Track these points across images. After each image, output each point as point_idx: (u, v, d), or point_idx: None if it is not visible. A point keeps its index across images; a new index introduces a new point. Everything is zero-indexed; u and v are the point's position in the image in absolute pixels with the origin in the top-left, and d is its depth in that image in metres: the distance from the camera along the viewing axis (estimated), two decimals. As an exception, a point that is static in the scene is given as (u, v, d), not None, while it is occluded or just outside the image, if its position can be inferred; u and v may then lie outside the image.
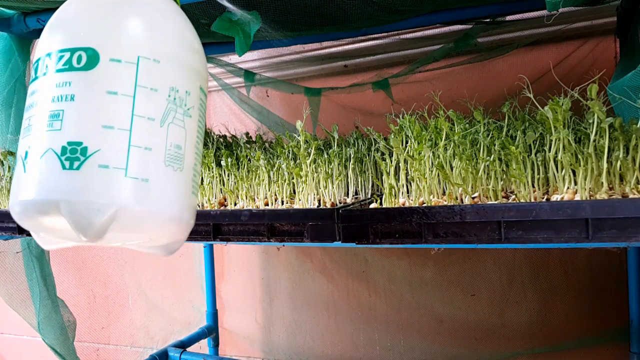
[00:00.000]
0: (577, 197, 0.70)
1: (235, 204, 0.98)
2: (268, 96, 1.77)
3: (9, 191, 1.08)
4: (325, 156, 0.93)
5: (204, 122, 0.46)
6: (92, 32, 0.39)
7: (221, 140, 1.23)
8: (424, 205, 0.76)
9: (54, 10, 1.02)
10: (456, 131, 0.79)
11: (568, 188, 0.73)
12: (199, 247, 1.84)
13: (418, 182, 0.79)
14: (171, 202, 0.41)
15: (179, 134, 0.41)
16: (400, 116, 0.84)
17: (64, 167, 0.38)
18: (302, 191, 0.89)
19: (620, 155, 0.71)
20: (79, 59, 0.39)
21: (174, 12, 0.44)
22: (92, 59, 0.39)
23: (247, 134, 1.27)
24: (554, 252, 1.45)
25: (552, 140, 0.73)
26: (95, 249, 2.10)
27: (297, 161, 0.93)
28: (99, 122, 0.38)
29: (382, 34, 1.51)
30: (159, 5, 0.43)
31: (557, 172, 0.75)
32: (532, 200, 0.74)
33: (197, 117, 0.44)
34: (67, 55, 0.39)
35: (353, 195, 1.00)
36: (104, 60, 0.39)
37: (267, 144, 1.20)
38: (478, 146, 0.80)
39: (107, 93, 0.38)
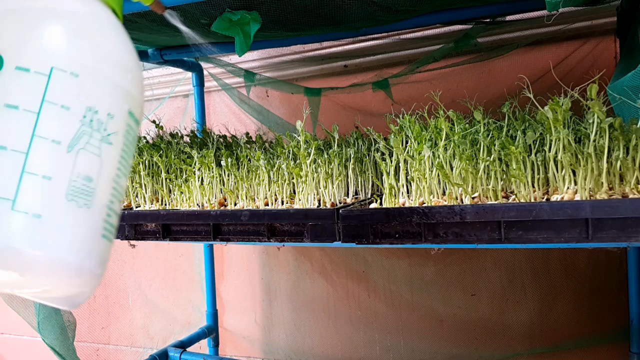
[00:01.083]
0: (577, 197, 0.70)
1: (235, 204, 0.98)
2: (268, 96, 1.77)
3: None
4: (325, 156, 0.93)
5: (132, 153, 0.39)
6: None
7: (221, 140, 1.23)
8: (424, 205, 0.76)
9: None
10: (456, 131, 0.79)
11: (568, 188, 0.73)
12: (199, 247, 1.84)
13: (418, 182, 0.79)
14: (70, 246, 0.33)
15: (92, 164, 0.34)
16: (400, 116, 0.84)
17: None
18: (302, 191, 0.89)
19: (620, 155, 0.71)
20: None
21: (109, 23, 0.38)
22: None
23: (247, 134, 1.28)
24: (554, 252, 1.45)
25: (552, 140, 0.73)
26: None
27: (297, 161, 0.93)
28: None
29: (382, 34, 1.51)
30: (90, 13, 0.37)
31: (557, 172, 0.75)
32: (532, 200, 0.74)
33: (121, 146, 0.36)
34: None
35: (353, 196, 1.00)
36: (9, 68, 0.33)
37: (267, 144, 1.20)
38: (478, 146, 0.80)
39: (5, 106, 0.32)
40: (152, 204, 1.05)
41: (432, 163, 0.79)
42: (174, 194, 1.02)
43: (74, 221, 0.33)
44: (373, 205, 0.82)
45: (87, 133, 0.34)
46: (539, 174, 0.78)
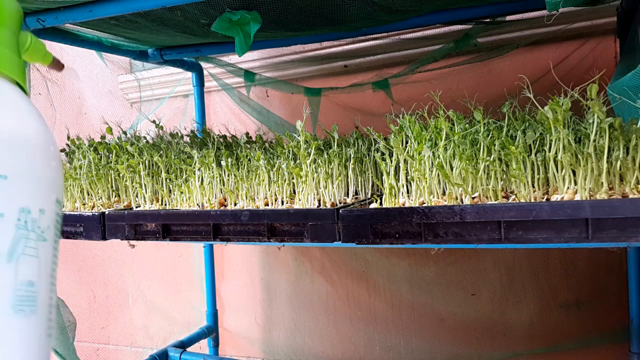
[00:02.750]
0: (577, 197, 0.70)
1: (235, 204, 0.98)
2: (268, 96, 1.77)
3: None
4: (325, 156, 0.93)
5: (59, 238, 0.36)
6: None
7: (221, 140, 1.23)
8: (424, 205, 0.76)
9: (54, 10, 1.02)
10: (456, 131, 0.79)
11: (568, 188, 0.73)
12: (199, 247, 1.84)
13: (418, 182, 0.79)
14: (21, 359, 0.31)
15: (32, 267, 0.31)
16: (400, 116, 0.84)
17: None
18: (302, 191, 0.89)
19: (620, 155, 0.71)
20: None
21: (27, 110, 0.34)
22: None
23: (247, 134, 1.27)
24: (554, 252, 1.45)
25: (552, 140, 0.73)
26: (96, 249, 2.10)
27: (297, 161, 0.93)
28: None
29: (382, 34, 1.51)
30: (7, 104, 0.33)
31: (557, 172, 0.75)
32: (532, 200, 0.74)
33: (53, 238, 0.34)
34: None
35: (353, 195, 1.00)
36: None
37: (267, 144, 1.20)
38: (478, 146, 0.80)
39: None
40: (152, 204, 1.05)
41: (432, 163, 0.79)
42: (174, 194, 1.02)
43: (22, 333, 0.31)
44: (373, 205, 0.82)
45: (24, 236, 0.31)
46: (539, 174, 0.78)
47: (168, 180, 1.05)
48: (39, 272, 0.32)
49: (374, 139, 1.02)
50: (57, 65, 0.51)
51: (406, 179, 0.82)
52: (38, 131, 0.34)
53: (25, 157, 0.32)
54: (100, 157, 1.16)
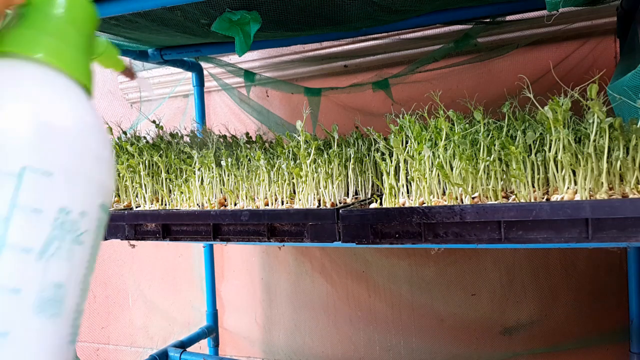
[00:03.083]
0: (577, 197, 0.70)
1: (235, 204, 0.98)
2: (268, 96, 1.77)
3: None
4: (325, 156, 0.93)
5: (99, 245, 0.36)
6: None
7: (221, 140, 1.23)
8: (424, 205, 0.76)
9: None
10: (456, 131, 0.79)
11: (568, 188, 0.73)
12: (199, 247, 1.84)
13: (418, 182, 0.79)
14: None
15: (62, 269, 0.31)
16: (400, 116, 0.84)
17: None
18: (302, 191, 0.89)
19: (620, 155, 0.71)
20: None
21: (85, 109, 0.34)
22: None
23: (247, 134, 1.27)
24: (554, 252, 1.45)
25: (552, 140, 0.73)
26: (95, 249, 2.10)
27: (297, 161, 0.93)
28: None
29: (382, 34, 1.51)
30: (64, 98, 0.33)
31: (557, 172, 0.75)
32: (532, 200, 0.74)
33: (91, 243, 0.33)
34: None
35: (353, 195, 1.00)
36: None
37: (267, 144, 1.20)
38: (478, 146, 0.80)
39: None
40: (152, 204, 1.05)
41: (432, 163, 0.79)
42: (174, 194, 1.02)
43: (43, 335, 0.30)
44: (373, 205, 0.82)
45: (59, 237, 0.31)
46: (539, 174, 0.78)
47: (168, 180, 1.05)
48: (68, 276, 0.31)
49: (374, 139, 1.02)
50: (130, 73, 0.51)
51: (406, 179, 0.82)
52: (93, 132, 0.33)
53: (76, 157, 0.32)
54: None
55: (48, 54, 0.33)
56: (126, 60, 0.48)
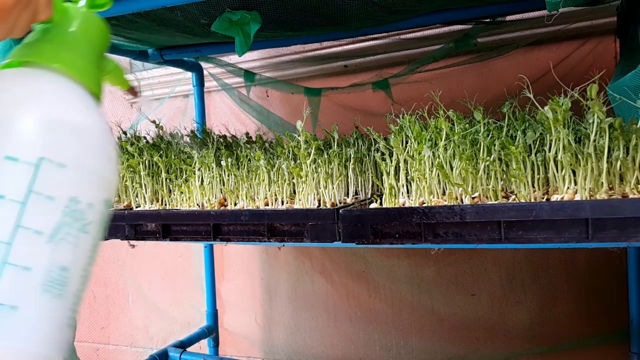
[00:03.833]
0: (577, 197, 0.70)
1: (235, 204, 0.98)
2: (268, 96, 1.77)
3: None
4: (325, 156, 0.93)
5: (100, 238, 0.40)
6: None
7: (221, 140, 1.23)
8: (424, 205, 0.76)
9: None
10: (456, 131, 0.79)
11: (568, 188, 0.73)
12: (199, 247, 1.84)
13: (418, 182, 0.79)
14: (40, 338, 0.33)
15: (68, 254, 0.34)
16: (400, 116, 0.84)
17: None
18: (302, 191, 0.89)
19: (620, 155, 0.71)
20: None
21: (98, 115, 0.38)
22: None
23: (247, 134, 1.27)
24: (554, 252, 1.45)
25: (552, 140, 0.73)
26: (95, 249, 2.10)
27: (297, 161, 0.93)
28: None
29: (382, 34, 1.51)
30: (77, 101, 0.38)
31: (557, 172, 0.75)
32: (532, 200, 0.74)
33: (94, 234, 0.37)
34: None
35: (353, 195, 1.00)
36: None
37: (267, 144, 1.20)
38: (478, 146, 0.80)
39: None
40: (152, 204, 1.05)
41: (432, 163, 0.79)
42: (174, 194, 1.02)
43: (46, 312, 0.33)
44: (373, 205, 0.82)
45: (68, 223, 0.34)
46: (539, 174, 0.78)
47: (168, 180, 1.05)
48: (74, 261, 0.35)
49: (374, 139, 1.02)
50: (133, 92, 0.58)
51: (406, 179, 0.82)
52: (102, 133, 0.38)
53: (86, 153, 0.36)
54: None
55: (64, 64, 0.38)
56: (132, 80, 0.52)
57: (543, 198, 0.75)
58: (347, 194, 1.00)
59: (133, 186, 1.06)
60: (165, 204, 1.04)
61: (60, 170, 0.34)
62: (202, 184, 0.99)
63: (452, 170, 0.80)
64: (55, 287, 0.34)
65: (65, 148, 0.35)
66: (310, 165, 0.88)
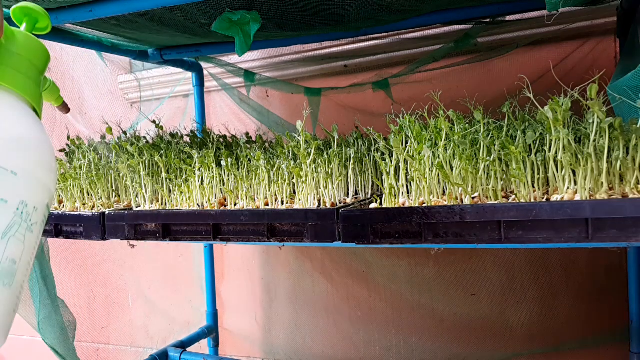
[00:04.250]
0: (577, 197, 0.70)
1: (235, 204, 0.98)
2: (268, 96, 1.77)
3: None
4: (325, 156, 0.93)
5: (40, 237, 0.46)
6: None
7: (221, 140, 1.23)
8: (424, 205, 0.76)
9: (54, 10, 1.02)
10: (456, 131, 0.79)
11: (568, 188, 0.73)
12: (199, 247, 1.84)
13: (418, 182, 0.79)
14: None
15: (17, 249, 0.40)
16: (400, 116, 0.84)
17: None
18: (302, 191, 0.89)
19: (620, 155, 0.71)
20: None
21: (40, 129, 0.43)
22: None
23: (247, 134, 1.28)
24: (554, 252, 1.45)
25: (552, 140, 0.73)
26: (96, 249, 2.10)
27: (297, 161, 0.93)
28: None
29: (382, 34, 1.51)
30: (26, 117, 0.43)
31: (557, 172, 0.75)
32: (532, 200, 0.74)
33: (37, 234, 0.43)
34: None
35: (353, 195, 1.00)
36: None
37: (267, 144, 1.20)
38: (478, 146, 0.80)
39: None
40: (152, 204, 1.05)
41: (432, 163, 0.79)
42: (174, 194, 1.02)
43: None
44: (373, 206, 0.82)
45: (18, 223, 0.39)
46: (539, 174, 0.78)
47: (168, 180, 1.05)
48: (21, 255, 0.40)
49: (374, 139, 1.02)
50: (65, 108, 0.62)
51: (406, 179, 0.82)
52: (46, 146, 0.43)
53: (33, 163, 0.41)
54: (100, 157, 1.16)
55: (11, 84, 0.43)
56: (62, 98, 0.63)
57: (543, 198, 0.75)
58: (347, 194, 1.00)
59: (133, 186, 1.06)
60: (165, 204, 1.04)
61: (13, 177, 0.39)
62: (202, 184, 0.99)
63: (452, 170, 0.80)
64: (6, 277, 0.38)
65: (16, 158, 0.40)
66: (310, 165, 0.88)
